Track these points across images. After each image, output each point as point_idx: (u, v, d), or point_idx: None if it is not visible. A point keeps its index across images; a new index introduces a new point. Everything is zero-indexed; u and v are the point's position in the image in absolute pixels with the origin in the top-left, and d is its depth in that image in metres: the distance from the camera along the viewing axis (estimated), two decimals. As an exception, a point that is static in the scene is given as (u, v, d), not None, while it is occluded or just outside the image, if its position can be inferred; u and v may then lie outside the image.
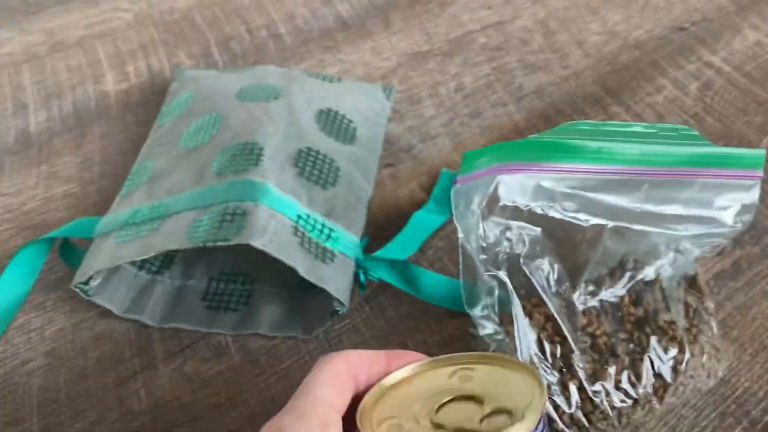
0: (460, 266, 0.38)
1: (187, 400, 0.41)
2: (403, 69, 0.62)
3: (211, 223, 0.39)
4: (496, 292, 0.37)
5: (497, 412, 0.29)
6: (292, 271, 0.40)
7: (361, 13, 0.67)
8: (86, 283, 0.41)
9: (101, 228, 0.44)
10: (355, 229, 0.45)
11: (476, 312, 0.37)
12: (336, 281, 0.41)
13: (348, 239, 0.44)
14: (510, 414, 0.29)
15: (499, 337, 0.37)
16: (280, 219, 0.40)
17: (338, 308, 0.41)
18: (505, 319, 0.37)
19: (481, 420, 0.29)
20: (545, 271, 0.37)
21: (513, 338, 0.36)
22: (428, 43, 0.64)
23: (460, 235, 0.38)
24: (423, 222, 0.48)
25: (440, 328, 0.44)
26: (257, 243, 0.38)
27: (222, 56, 0.62)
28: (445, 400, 0.30)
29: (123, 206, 0.45)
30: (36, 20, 0.66)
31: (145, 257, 0.40)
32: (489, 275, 0.37)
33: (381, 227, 0.49)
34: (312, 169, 0.45)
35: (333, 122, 0.50)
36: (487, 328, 0.37)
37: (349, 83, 0.55)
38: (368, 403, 0.30)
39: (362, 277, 0.44)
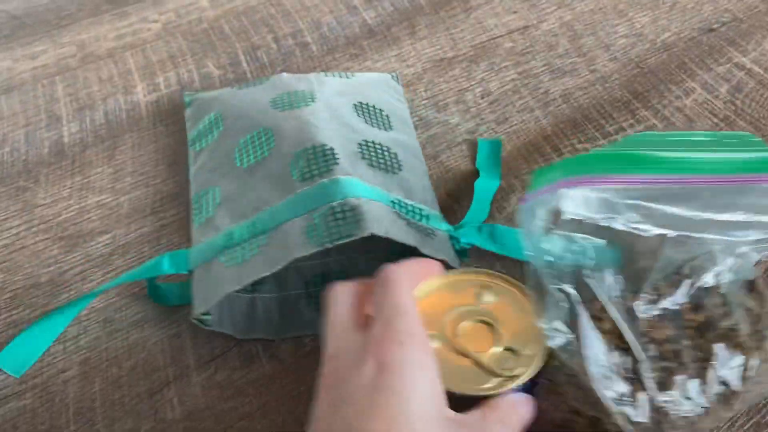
0: (528, 281, 0.39)
1: (219, 409, 0.41)
2: (428, 75, 0.62)
3: (325, 224, 0.40)
4: (564, 304, 0.37)
5: (507, 349, 0.35)
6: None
7: (386, 20, 0.67)
8: (207, 313, 0.41)
9: (197, 258, 0.44)
10: (432, 205, 0.47)
11: (545, 324, 0.38)
12: (445, 253, 0.43)
13: (434, 215, 0.46)
14: (515, 354, 0.35)
15: (570, 348, 0.37)
16: (382, 207, 0.42)
17: None
18: (574, 331, 0.37)
19: (493, 356, 0.35)
20: (609, 282, 0.38)
21: (581, 349, 0.36)
22: (453, 48, 0.64)
23: (527, 250, 0.38)
24: (485, 188, 0.52)
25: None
26: (380, 231, 0.40)
27: (250, 65, 0.63)
28: (466, 323, 0.36)
29: (208, 233, 0.44)
30: (68, 32, 0.67)
31: (273, 271, 0.39)
32: (556, 288, 0.37)
33: (408, 235, 0.50)
34: (377, 158, 0.46)
35: (369, 113, 0.51)
36: (557, 340, 0.37)
37: (361, 76, 0.57)
38: None
39: (457, 245, 0.45)
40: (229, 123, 0.50)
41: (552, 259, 0.38)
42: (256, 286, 0.45)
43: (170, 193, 0.53)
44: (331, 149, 0.44)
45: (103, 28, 0.68)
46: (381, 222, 0.40)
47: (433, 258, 0.40)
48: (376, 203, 0.42)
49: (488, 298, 0.37)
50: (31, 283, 0.48)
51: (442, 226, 0.45)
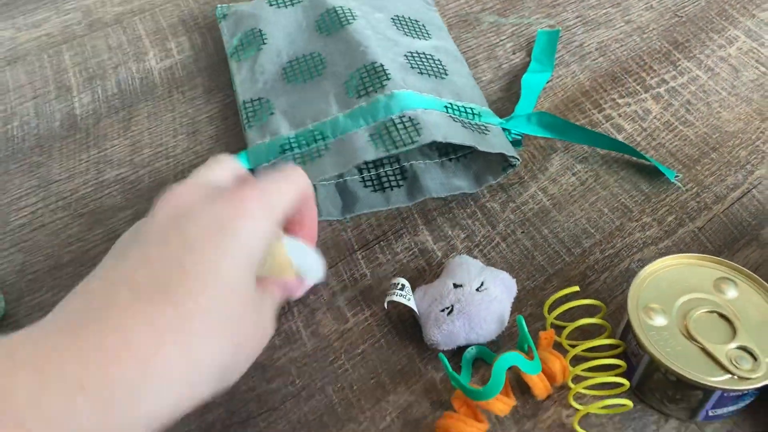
0: None
1: (262, 390, 0.39)
2: (455, 32, 0.59)
3: (388, 133, 0.44)
4: None
5: (742, 348, 0.34)
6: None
7: (406, -27, 0.64)
8: None
9: (256, 158, 0.47)
10: (481, 102, 0.49)
11: None
12: (502, 146, 0.45)
13: (485, 111, 0.48)
14: (752, 356, 0.34)
15: None
16: (438, 113, 0.45)
17: (513, 162, 0.46)
18: None
19: (727, 352, 0.34)
20: None
21: None
22: (479, 2, 0.61)
23: None
24: (533, 82, 0.53)
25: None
26: (440, 137, 0.43)
27: (265, 27, 0.60)
28: (700, 311, 0.36)
29: (264, 137, 0.47)
30: (71, -2, 0.64)
31: (345, 170, 0.44)
32: None
33: (447, 201, 0.47)
34: (424, 66, 0.49)
35: (406, 25, 0.54)
36: None
37: None
38: (637, 282, 0.37)
39: (509, 137, 0.48)
40: (273, 41, 0.53)
41: None
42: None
43: (191, 165, 0.51)
44: (381, 65, 0.47)
45: (107, -8, 0.64)
46: (439, 128, 0.44)
47: (490, 152, 0.45)
48: (431, 111, 0.45)
49: (729, 292, 0.37)
50: (53, 263, 0.45)
51: (494, 121, 0.48)
